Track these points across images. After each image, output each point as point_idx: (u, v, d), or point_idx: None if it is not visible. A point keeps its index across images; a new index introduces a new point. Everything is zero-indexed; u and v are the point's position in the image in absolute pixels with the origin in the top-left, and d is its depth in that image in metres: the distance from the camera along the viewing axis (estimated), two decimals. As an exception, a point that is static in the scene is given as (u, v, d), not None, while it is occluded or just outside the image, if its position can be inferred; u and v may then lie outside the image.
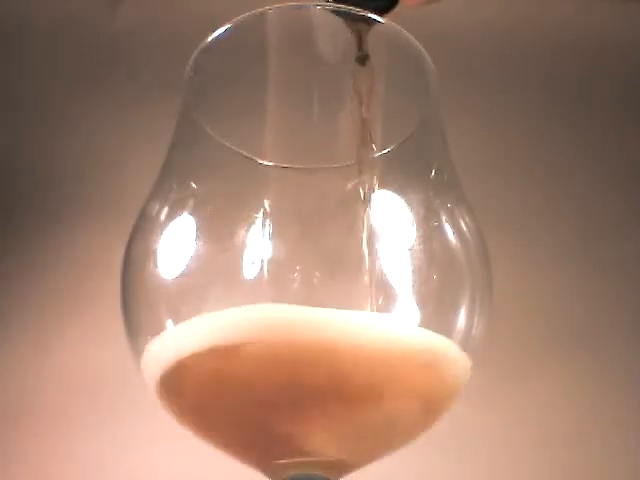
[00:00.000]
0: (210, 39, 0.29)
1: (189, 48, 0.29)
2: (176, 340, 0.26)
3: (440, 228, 0.28)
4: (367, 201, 0.28)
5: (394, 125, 0.30)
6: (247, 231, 0.27)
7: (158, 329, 0.26)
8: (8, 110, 0.67)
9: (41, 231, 0.63)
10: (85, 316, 0.59)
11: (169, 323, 0.26)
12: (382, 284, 0.26)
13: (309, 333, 0.24)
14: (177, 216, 0.28)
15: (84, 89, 0.67)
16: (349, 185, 0.29)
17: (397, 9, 0.31)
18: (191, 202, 0.28)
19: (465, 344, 0.27)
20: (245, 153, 0.29)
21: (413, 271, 0.27)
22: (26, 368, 0.58)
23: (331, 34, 0.31)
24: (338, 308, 0.25)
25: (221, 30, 0.29)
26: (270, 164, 0.29)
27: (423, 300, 0.27)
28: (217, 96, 0.31)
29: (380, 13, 0.30)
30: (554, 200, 0.67)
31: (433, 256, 0.27)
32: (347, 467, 0.28)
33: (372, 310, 0.26)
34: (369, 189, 0.28)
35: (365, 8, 0.29)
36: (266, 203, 0.28)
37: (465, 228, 0.29)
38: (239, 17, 0.29)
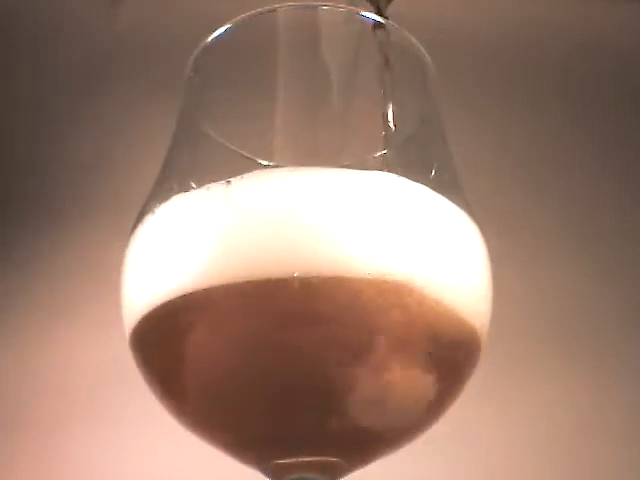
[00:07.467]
0: (210, 39, 0.29)
1: (189, 48, 0.29)
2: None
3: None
4: None
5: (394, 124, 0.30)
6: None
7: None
8: (7, 110, 0.67)
9: (40, 231, 0.63)
10: (85, 316, 0.60)
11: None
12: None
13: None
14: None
15: (83, 89, 0.67)
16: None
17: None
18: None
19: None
20: (245, 153, 0.29)
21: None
22: (25, 368, 0.58)
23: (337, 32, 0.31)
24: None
25: (221, 30, 0.29)
26: (270, 164, 0.29)
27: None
28: (217, 96, 0.31)
29: None
30: (555, 199, 0.67)
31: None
32: (347, 467, 0.28)
33: None
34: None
35: None
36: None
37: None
38: (239, 17, 0.29)
